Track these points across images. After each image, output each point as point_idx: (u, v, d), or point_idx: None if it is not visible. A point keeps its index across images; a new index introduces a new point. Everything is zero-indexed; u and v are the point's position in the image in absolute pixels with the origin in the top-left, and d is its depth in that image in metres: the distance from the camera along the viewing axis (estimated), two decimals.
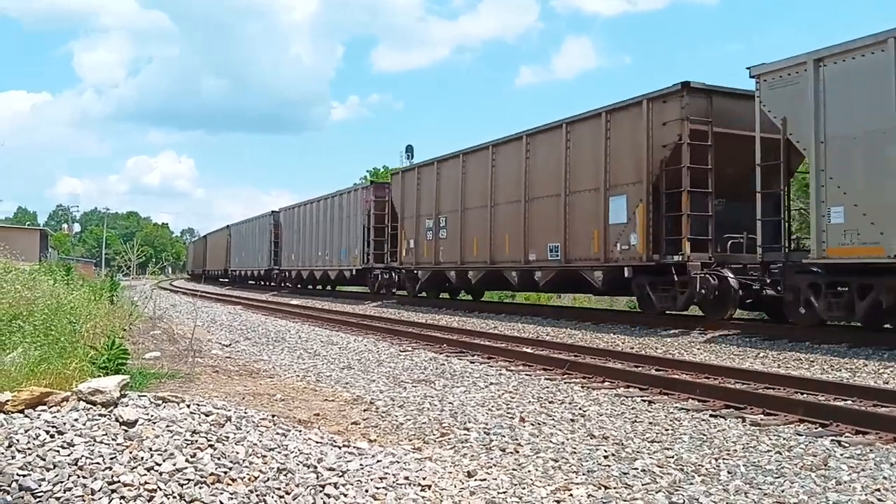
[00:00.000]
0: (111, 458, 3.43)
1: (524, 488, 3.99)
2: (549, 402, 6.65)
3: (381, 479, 3.86)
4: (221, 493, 3.32)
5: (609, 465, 4.50)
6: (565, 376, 8.26)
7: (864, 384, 7.43)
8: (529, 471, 4.36)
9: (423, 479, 3.97)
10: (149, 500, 3.19)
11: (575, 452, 4.81)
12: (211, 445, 3.76)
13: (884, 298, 9.86)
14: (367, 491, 3.66)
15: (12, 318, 7.32)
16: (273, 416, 4.90)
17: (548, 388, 7.52)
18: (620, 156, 13.89)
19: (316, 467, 3.85)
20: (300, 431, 4.68)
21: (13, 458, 3.38)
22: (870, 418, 5.63)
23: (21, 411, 3.87)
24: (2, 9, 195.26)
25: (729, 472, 4.38)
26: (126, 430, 3.73)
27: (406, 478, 3.94)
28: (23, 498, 3.09)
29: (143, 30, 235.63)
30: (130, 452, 3.51)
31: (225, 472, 3.51)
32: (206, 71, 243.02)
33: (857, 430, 5.43)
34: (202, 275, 57.46)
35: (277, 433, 4.37)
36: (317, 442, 4.45)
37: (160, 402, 4.26)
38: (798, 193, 15.20)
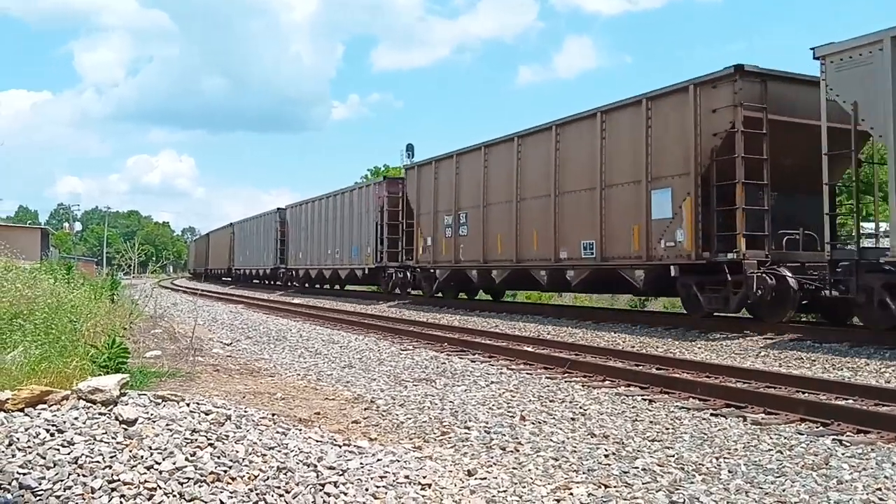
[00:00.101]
0: (111, 457, 3.43)
1: (524, 487, 3.99)
2: (550, 401, 6.65)
3: (381, 477, 3.86)
4: (221, 492, 3.32)
5: (609, 464, 4.49)
6: (566, 375, 8.25)
7: (866, 383, 7.42)
8: (530, 469, 4.36)
9: (424, 477, 3.97)
10: (149, 499, 3.19)
11: (575, 451, 4.80)
12: (211, 444, 3.76)
13: None
14: (367, 490, 3.66)
15: (13, 316, 7.33)
16: (273, 414, 4.90)
17: (548, 386, 7.51)
18: (664, 146, 12.86)
19: (316, 466, 3.85)
20: (300, 430, 4.67)
21: (13, 456, 3.38)
22: (871, 417, 5.62)
23: (21, 410, 3.87)
24: (3, 8, 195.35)
25: (730, 472, 4.38)
26: (126, 429, 3.73)
27: (406, 476, 3.93)
28: (23, 496, 3.09)
29: (143, 29, 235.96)
30: (130, 451, 3.51)
31: (225, 471, 3.51)
32: (206, 70, 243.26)
33: (858, 429, 5.42)
34: (204, 274, 56.88)
35: (277, 432, 4.36)
36: (317, 441, 4.45)
37: (160, 400, 4.26)
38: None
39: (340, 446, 4.44)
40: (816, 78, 10.69)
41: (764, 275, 11.31)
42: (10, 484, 3.14)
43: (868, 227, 13.38)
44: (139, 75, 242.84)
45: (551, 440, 5.12)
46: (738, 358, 9.63)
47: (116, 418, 3.82)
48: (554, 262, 15.63)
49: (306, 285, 33.31)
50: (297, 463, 3.85)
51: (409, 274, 23.24)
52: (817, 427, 5.57)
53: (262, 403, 6.11)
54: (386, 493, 3.65)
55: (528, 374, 8.41)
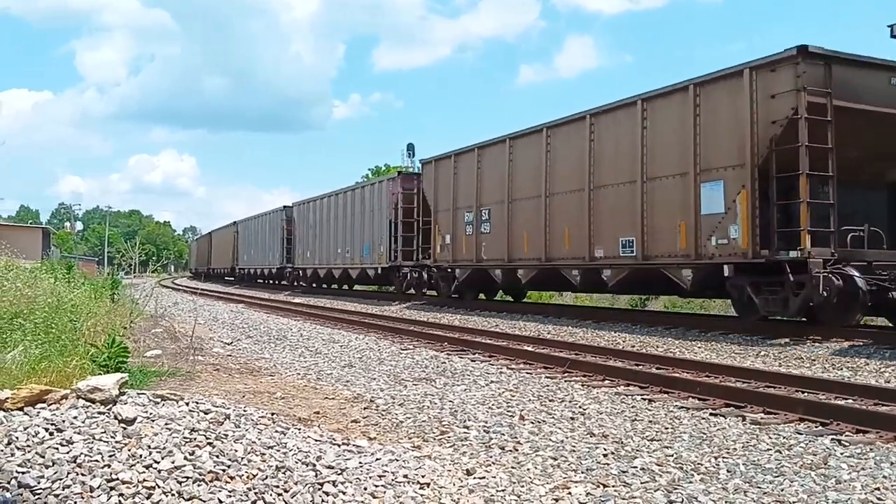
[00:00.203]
0: (110, 456, 3.44)
1: (523, 486, 3.99)
2: (549, 401, 6.65)
3: (379, 477, 3.86)
4: (220, 491, 3.33)
5: (608, 464, 4.49)
6: (566, 375, 8.26)
7: (866, 383, 7.41)
8: (528, 469, 4.36)
9: (422, 477, 3.97)
10: (147, 498, 3.19)
11: (574, 451, 4.81)
12: (209, 443, 3.76)
13: None
14: (365, 489, 3.66)
15: (13, 316, 7.34)
16: (272, 414, 4.90)
17: (548, 386, 7.52)
18: (714, 135, 11.92)
19: (315, 465, 3.85)
20: (299, 429, 4.68)
21: (12, 455, 3.38)
22: (870, 417, 5.62)
23: (21, 409, 3.88)
24: (4, 7, 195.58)
25: (728, 471, 4.38)
26: (125, 428, 3.74)
27: (405, 476, 3.94)
28: (22, 495, 3.09)
29: (144, 28, 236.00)
30: (129, 450, 3.52)
31: (223, 470, 3.51)
32: (207, 70, 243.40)
33: (857, 429, 5.42)
34: (207, 273, 56.09)
35: (276, 431, 4.37)
36: (316, 440, 4.45)
37: (159, 399, 4.26)
38: None
39: (339, 445, 4.44)
40: (887, 62, 10.10)
41: (830, 275, 10.39)
42: (9, 483, 3.15)
43: None
44: (140, 74, 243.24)
45: (550, 439, 5.13)
46: (739, 359, 9.63)
47: (115, 417, 3.83)
48: (588, 261, 14.64)
49: (313, 285, 32.51)
50: (296, 462, 3.86)
51: (424, 274, 22.26)
52: (816, 427, 5.57)
53: (261, 403, 6.12)
54: (385, 493, 3.66)
55: (527, 373, 8.42)
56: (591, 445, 4.96)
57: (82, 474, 3.27)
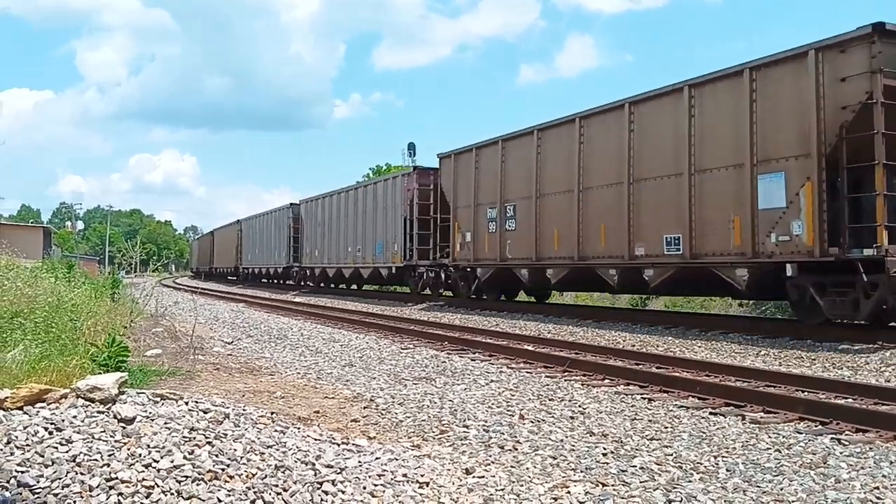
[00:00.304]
0: (109, 455, 3.44)
1: (522, 485, 3.99)
2: (549, 400, 6.65)
3: (379, 476, 3.86)
4: (219, 490, 3.33)
5: (607, 463, 4.49)
6: (566, 374, 8.26)
7: (866, 382, 7.41)
8: (527, 468, 4.36)
9: (422, 476, 3.97)
10: (146, 497, 3.20)
11: (573, 450, 4.81)
12: (209, 442, 3.77)
13: None
14: (364, 488, 3.66)
15: (13, 315, 7.35)
16: (272, 413, 4.90)
17: (548, 385, 7.52)
18: (774, 122, 10.99)
19: (314, 464, 3.86)
20: (299, 429, 4.68)
21: (12, 454, 3.39)
22: (870, 417, 5.62)
23: (20, 408, 3.88)
24: (5, 7, 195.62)
25: (728, 470, 4.38)
26: (124, 427, 3.74)
27: (404, 475, 3.94)
28: (21, 494, 3.10)
29: (145, 28, 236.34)
30: (128, 449, 3.52)
31: (222, 469, 3.51)
32: (208, 69, 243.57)
33: (857, 428, 5.42)
34: (209, 273, 55.46)
35: (276, 430, 4.37)
36: (315, 439, 4.46)
37: (158, 399, 4.26)
38: None
39: (339, 445, 4.45)
40: None
41: None
42: (8, 482, 3.15)
43: None
44: (141, 74, 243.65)
45: (550, 439, 5.13)
46: (739, 358, 9.63)
47: (115, 417, 3.83)
48: (628, 260, 13.64)
49: (321, 285, 31.69)
50: (296, 461, 3.86)
51: (441, 273, 21.23)
52: (816, 426, 5.57)
53: (261, 402, 6.12)
54: (384, 492, 3.66)
55: (527, 372, 8.42)
56: (590, 444, 4.96)
57: (81, 473, 3.27)
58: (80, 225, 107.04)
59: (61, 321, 7.03)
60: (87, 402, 3.98)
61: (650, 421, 5.79)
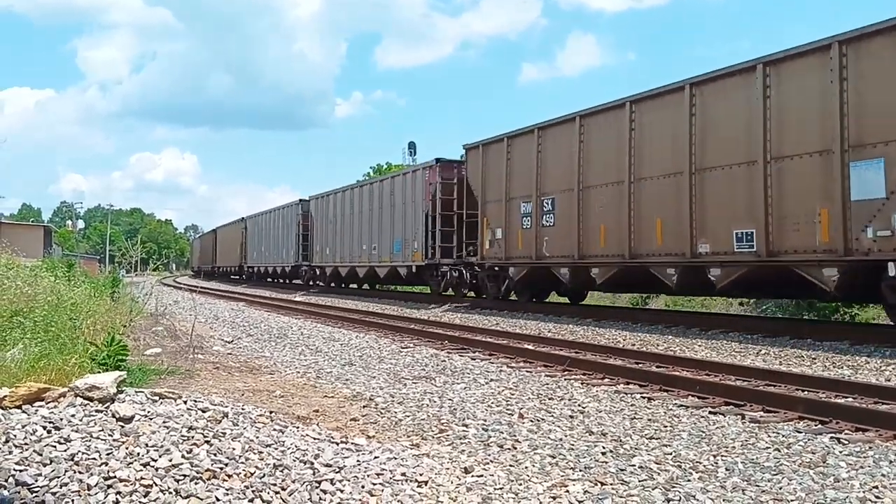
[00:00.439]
0: (107, 454, 3.44)
1: (520, 484, 3.99)
2: (549, 399, 6.65)
3: (377, 475, 3.86)
4: (217, 489, 3.33)
5: (606, 462, 4.49)
6: (566, 373, 8.26)
7: (866, 381, 7.40)
8: (526, 467, 4.36)
9: (420, 475, 3.97)
10: (144, 496, 3.20)
11: (573, 449, 4.80)
12: (207, 441, 3.77)
13: None
14: (363, 487, 3.66)
15: (13, 314, 7.35)
16: (271, 412, 4.90)
17: (548, 384, 7.51)
18: (869, 104, 9.88)
19: (313, 463, 3.85)
20: (298, 428, 4.68)
21: (10, 453, 3.39)
22: (870, 416, 5.61)
23: (19, 407, 3.88)
24: (7, 5, 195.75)
25: (727, 469, 4.38)
26: (122, 426, 3.74)
27: (403, 474, 3.94)
28: (19, 493, 3.10)
29: (147, 26, 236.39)
30: (126, 448, 3.52)
31: (221, 468, 3.51)
32: (210, 67, 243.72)
33: (856, 427, 5.41)
34: (212, 272, 54.58)
35: (275, 429, 4.37)
36: (314, 438, 4.46)
37: (157, 398, 4.26)
38: None
39: (338, 444, 4.45)
40: None
41: None
42: (6, 481, 3.15)
43: None
44: (143, 72, 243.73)
45: (549, 438, 5.12)
46: (739, 357, 9.62)
47: (113, 415, 3.83)
48: (689, 258, 12.42)
49: (331, 285, 30.39)
50: (294, 460, 3.86)
51: (465, 273, 19.96)
52: (816, 425, 5.57)
53: (260, 401, 6.12)
54: (382, 491, 3.66)
55: (527, 371, 8.41)
56: (589, 444, 4.96)
57: (80, 472, 3.27)
58: (80, 224, 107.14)
59: (61, 320, 7.03)
60: (86, 401, 3.98)
61: (649, 420, 5.78)
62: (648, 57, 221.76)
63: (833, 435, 5.23)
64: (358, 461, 4.05)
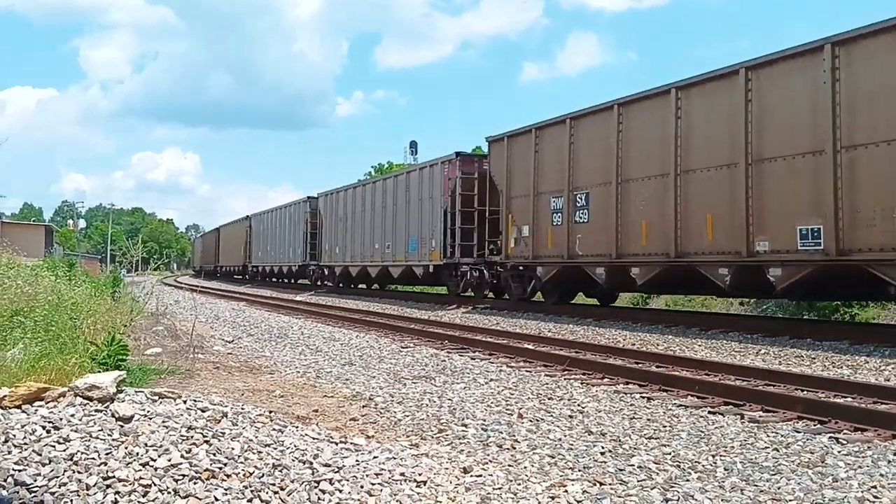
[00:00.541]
0: (106, 454, 3.44)
1: (519, 484, 3.99)
2: (548, 399, 6.65)
3: (376, 475, 3.87)
4: (216, 489, 3.33)
5: (605, 462, 4.49)
6: (565, 373, 8.26)
7: (865, 381, 7.41)
8: (525, 467, 4.36)
9: (419, 475, 3.97)
10: (143, 496, 3.20)
11: (572, 449, 4.81)
12: (206, 441, 3.77)
13: None
14: (362, 487, 3.67)
15: (14, 313, 7.36)
16: (270, 412, 4.90)
17: (547, 384, 7.52)
18: None
19: (312, 463, 3.86)
20: (297, 427, 4.68)
21: (9, 452, 3.39)
22: (869, 415, 5.62)
23: (18, 407, 3.88)
24: (8, 5, 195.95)
25: (726, 469, 4.38)
26: (122, 426, 3.74)
27: (402, 474, 3.94)
28: (18, 493, 3.10)
29: (148, 26, 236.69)
30: (126, 448, 3.52)
31: (220, 468, 3.52)
32: (211, 67, 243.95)
33: (855, 427, 5.42)
34: (214, 271, 53.89)
35: (274, 429, 4.37)
36: (314, 438, 4.46)
37: (157, 397, 4.27)
38: None
39: (337, 444, 4.45)
40: None
41: None
42: (5, 480, 3.16)
43: None
44: (144, 72, 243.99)
45: (548, 438, 5.13)
46: (739, 357, 9.63)
47: (112, 415, 3.83)
48: (745, 257, 11.46)
49: (340, 285, 29.21)
50: (293, 460, 3.86)
51: (486, 272, 19.09)
52: (815, 425, 5.58)
53: (260, 401, 6.12)
54: (381, 490, 3.66)
55: (527, 371, 8.42)
56: (588, 443, 4.96)
57: (79, 472, 3.28)
58: (81, 223, 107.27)
59: (61, 320, 7.04)
60: (86, 401, 3.98)
61: (649, 420, 5.79)
62: (649, 57, 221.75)
63: (832, 435, 5.24)
64: (357, 461, 4.06)
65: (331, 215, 29.56)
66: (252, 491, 3.39)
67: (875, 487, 4.03)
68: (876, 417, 5.54)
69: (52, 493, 3.11)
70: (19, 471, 3.22)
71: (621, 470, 4.31)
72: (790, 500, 3.84)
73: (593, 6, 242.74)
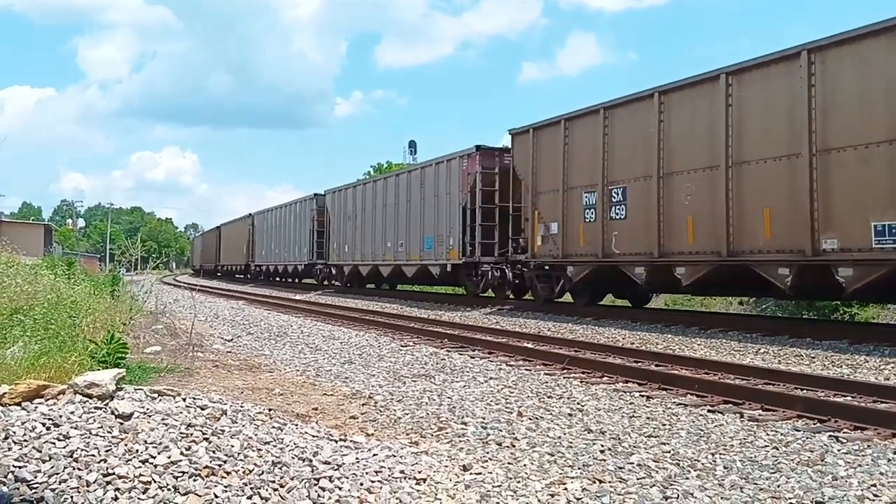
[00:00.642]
0: (106, 451, 3.45)
1: (519, 482, 3.99)
2: (548, 397, 6.65)
3: (376, 472, 3.87)
4: (216, 486, 3.34)
5: (605, 460, 4.50)
6: (565, 371, 8.26)
7: (864, 380, 7.41)
8: (525, 465, 4.36)
9: (419, 472, 3.98)
10: (143, 493, 3.20)
11: (571, 447, 4.81)
12: (206, 439, 3.77)
13: None
14: (361, 484, 3.67)
15: (13, 312, 7.36)
16: (270, 410, 4.90)
17: (547, 382, 7.52)
18: None
19: (311, 461, 3.86)
20: (297, 425, 4.69)
21: (10, 449, 3.39)
22: (868, 414, 5.63)
23: (18, 404, 3.88)
24: (7, 4, 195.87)
25: (725, 467, 4.38)
26: (121, 423, 3.75)
27: (402, 471, 3.94)
28: (18, 489, 3.10)
29: (147, 25, 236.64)
30: (125, 445, 3.52)
31: (219, 465, 3.52)
32: (210, 67, 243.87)
33: (855, 426, 5.42)
34: (215, 270, 53.38)
35: (274, 427, 4.37)
36: (313, 436, 4.46)
37: (156, 395, 4.27)
38: None
39: (337, 441, 4.45)
40: None
41: None
42: (5, 477, 3.16)
43: None
44: (143, 71, 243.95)
45: (548, 436, 5.13)
46: (738, 356, 9.63)
47: (112, 412, 3.83)
48: (810, 256, 10.49)
49: (348, 285, 28.27)
50: (293, 458, 3.86)
51: (508, 272, 18.33)
52: (814, 423, 5.58)
53: (259, 399, 6.12)
54: (381, 488, 3.66)
55: (526, 370, 8.42)
56: (588, 442, 4.96)
57: (79, 469, 3.28)
58: (81, 222, 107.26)
59: (60, 318, 7.04)
60: (85, 398, 3.98)
61: (648, 418, 5.79)
62: (648, 57, 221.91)
63: (831, 433, 5.24)
64: (356, 459, 4.06)
65: (339, 213, 28.64)
66: (252, 488, 3.39)
67: (875, 486, 4.03)
68: (876, 416, 5.54)
69: (53, 490, 3.11)
70: (20, 467, 3.23)
71: (621, 468, 4.32)
72: (790, 499, 3.84)
73: (593, 6, 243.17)
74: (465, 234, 19.19)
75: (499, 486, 3.92)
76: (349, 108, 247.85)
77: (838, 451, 4.80)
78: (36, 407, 3.87)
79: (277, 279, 38.50)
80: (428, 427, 5.38)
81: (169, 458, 3.47)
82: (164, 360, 8.05)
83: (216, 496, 3.26)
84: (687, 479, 4.14)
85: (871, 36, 9.98)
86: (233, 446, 3.77)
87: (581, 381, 7.59)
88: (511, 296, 18.82)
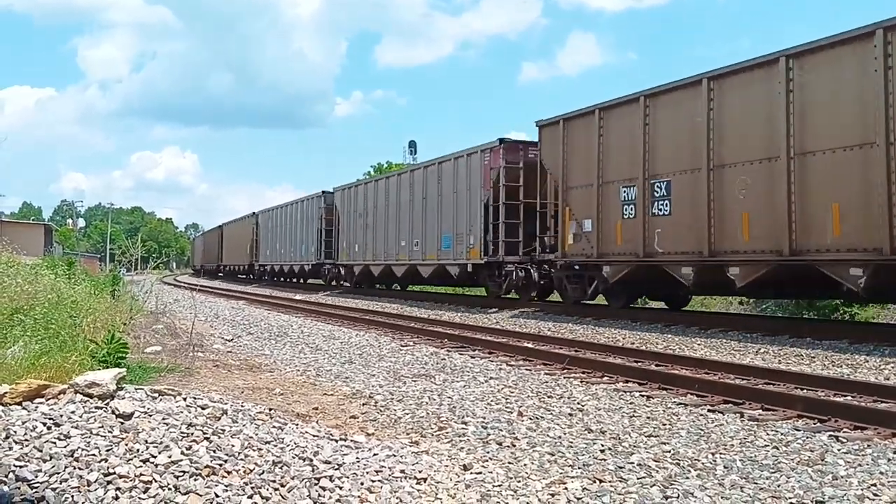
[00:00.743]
0: (107, 450, 3.45)
1: (519, 482, 4.00)
2: (548, 397, 6.66)
3: (376, 472, 3.87)
4: (216, 485, 3.34)
5: (605, 459, 4.50)
6: (565, 371, 8.27)
7: (864, 380, 7.41)
8: (525, 464, 4.37)
9: (419, 472, 3.98)
10: (144, 492, 3.21)
11: (571, 446, 4.81)
12: (206, 438, 3.77)
13: None
14: (362, 484, 3.67)
15: (14, 311, 7.36)
16: (270, 409, 4.90)
17: (547, 382, 7.53)
18: None
19: (312, 460, 3.86)
20: (297, 425, 4.69)
21: (10, 449, 3.40)
22: (869, 414, 5.62)
23: (19, 403, 3.89)
24: (7, 4, 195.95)
25: (725, 467, 4.38)
26: (122, 423, 3.75)
27: (402, 471, 3.95)
28: (19, 489, 3.11)
29: (147, 25, 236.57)
30: (126, 444, 3.53)
31: (220, 465, 3.52)
32: (210, 66, 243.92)
33: (855, 425, 5.42)
34: (217, 270, 52.93)
35: (274, 427, 4.38)
36: (314, 436, 4.47)
37: (157, 395, 4.27)
38: None
39: (337, 441, 4.46)
40: None
41: None
42: (6, 476, 3.16)
43: None
44: (143, 71, 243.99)
45: (548, 435, 5.13)
46: (738, 355, 9.63)
47: (113, 412, 3.84)
48: (889, 255, 9.54)
49: (359, 285, 27.44)
50: (293, 457, 3.87)
51: (534, 272, 17.45)
52: (814, 423, 5.58)
53: (260, 398, 6.13)
54: (381, 488, 3.67)
55: (527, 370, 8.43)
56: (588, 441, 4.97)
57: (79, 468, 3.28)
58: (81, 222, 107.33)
59: (61, 318, 7.04)
60: (86, 398, 3.99)
61: (648, 418, 5.79)
62: (648, 57, 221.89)
63: (832, 433, 5.24)
64: (357, 458, 4.06)
65: (348, 211, 27.69)
66: (252, 488, 3.39)
67: (875, 485, 4.04)
68: (876, 416, 5.54)
69: (54, 489, 3.12)
70: (20, 467, 3.23)
71: (621, 467, 4.32)
72: (790, 498, 3.84)
73: (593, 6, 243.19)
74: (486, 232, 18.26)
75: (499, 485, 3.92)
76: (349, 107, 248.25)
77: (838, 450, 4.81)
78: (37, 406, 3.87)
79: (283, 279, 37.71)
80: (428, 427, 5.38)
81: (170, 457, 3.47)
82: (165, 360, 8.06)
83: (217, 495, 3.26)
84: (687, 478, 4.14)
85: None
86: (233, 446, 3.77)
87: (581, 381, 7.60)
88: (535, 297, 18.03)
